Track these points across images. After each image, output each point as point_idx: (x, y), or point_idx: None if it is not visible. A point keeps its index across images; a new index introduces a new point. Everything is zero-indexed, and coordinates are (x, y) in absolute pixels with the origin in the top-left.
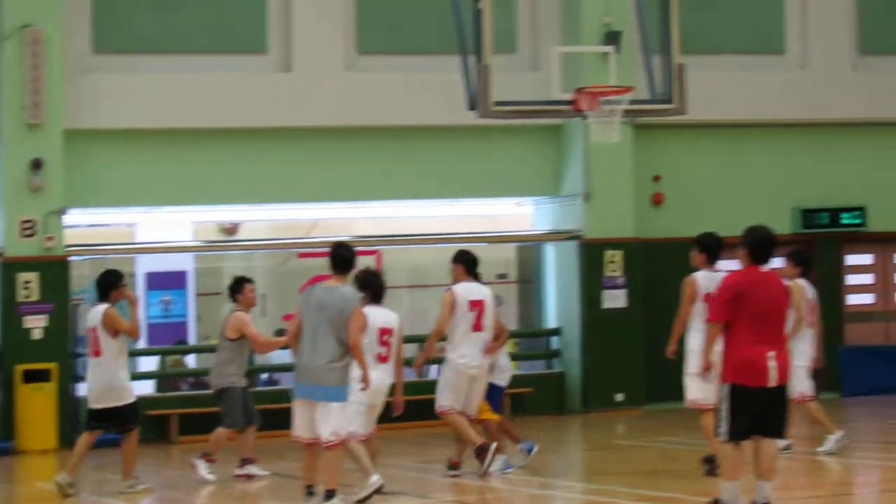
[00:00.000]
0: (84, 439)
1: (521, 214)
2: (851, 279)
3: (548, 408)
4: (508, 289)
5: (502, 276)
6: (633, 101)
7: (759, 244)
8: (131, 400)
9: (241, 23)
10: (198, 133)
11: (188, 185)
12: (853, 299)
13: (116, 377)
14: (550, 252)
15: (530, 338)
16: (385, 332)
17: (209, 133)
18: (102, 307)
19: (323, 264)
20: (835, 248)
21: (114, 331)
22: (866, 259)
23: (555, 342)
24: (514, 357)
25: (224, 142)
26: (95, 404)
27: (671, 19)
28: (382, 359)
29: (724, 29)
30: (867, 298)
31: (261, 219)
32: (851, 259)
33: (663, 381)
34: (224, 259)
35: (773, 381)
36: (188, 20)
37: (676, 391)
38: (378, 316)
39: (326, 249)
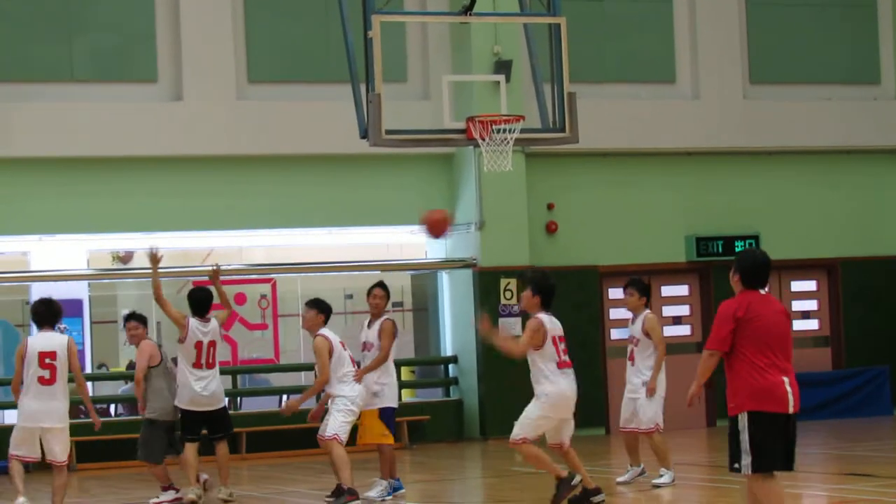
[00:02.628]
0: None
1: (415, 243)
2: None
3: (446, 435)
4: (404, 317)
5: (397, 304)
6: (525, 130)
7: (751, 268)
8: None
9: (132, 52)
10: (91, 162)
11: (82, 213)
12: None
13: None
14: (445, 280)
15: (427, 365)
16: (561, 339)
17: (102, 162)
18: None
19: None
20: (729, 277)
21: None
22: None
23: (452, 370)
24: (411, 385)
25: (117, 170)
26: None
27: (562, 48)
28: (565, 364)
29: (616, 58)
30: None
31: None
32: None
33: None
34: (119, 287)
35: (792, 407)
36: (79, 49)
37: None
38: (552, 324)
39: (221, 278)
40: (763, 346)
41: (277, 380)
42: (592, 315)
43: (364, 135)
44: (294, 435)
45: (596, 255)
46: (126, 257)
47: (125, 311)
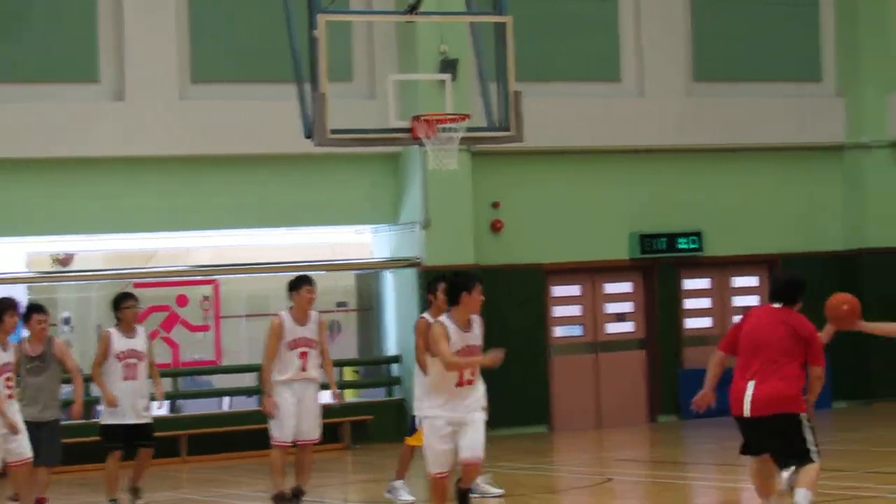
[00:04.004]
0: None
1: (359, 242)
2: (689, 303)
3: (389, 435)
4: (348, 317)
5: (342, 304)
6: (471, 129)
7: (773, 285)
8: None
9: (73, 51)
10: (31, 163)
11: (21, 215)
12: (690, 323)
13: None
14: (390, 280)
15: (370, 365)
16: None
17: (43, 163)
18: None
19: (161, 294)
20: (672, 273)
21: None
22: (703, 283)
23: (395, 369)
24: (355, 385)
25: (58, 172)
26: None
27: (507, 47)
28: None
29: (561, 57)
30: (705, 322)
31: (96, 249)
32: (689, 283)
33: (503, 407)
34: (59, 290)
35: (747, 411)
36: (19, 49)
37: (518, 416)
38: None
39: (162, 280)
40: (744, 354)
41: (220, 381)
42: (537, 313)
43: (309, 134)
44: (236, 437)
45: (541, 253)
46: (66, 260)
47: (65, 314)
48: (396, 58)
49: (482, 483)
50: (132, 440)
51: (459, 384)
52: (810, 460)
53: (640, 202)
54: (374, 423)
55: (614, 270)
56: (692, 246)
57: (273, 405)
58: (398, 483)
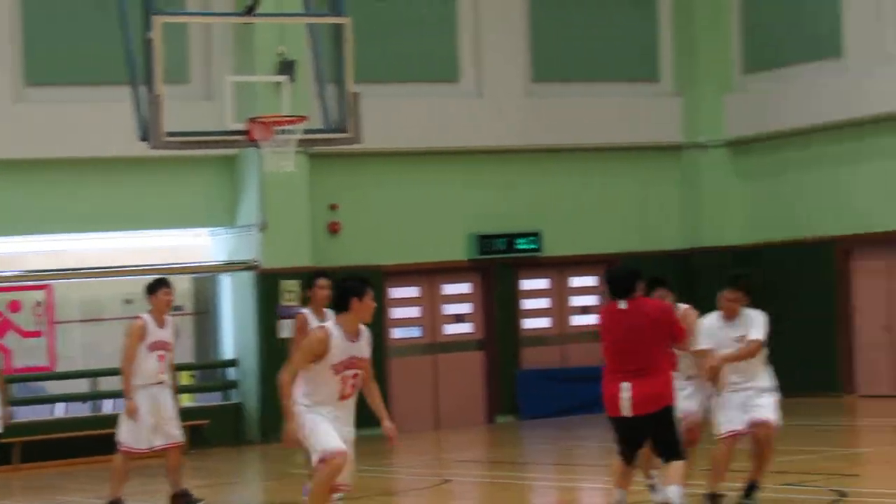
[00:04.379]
0: None
1: (196, 245)
2: (527, 304)
3: (226, 439)
4: (184, 320)
5: (178, 307)
6: (308, 131)
7: (609, 281)
8: None
9: None
10: None
11: None
12: (529, 323)
13: None
14: (227, 283)
15: (207, 369)
16: None
17: None
18: None
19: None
20: (511, 274)
21: None
22: (542, 283)
23: (232, 373)
24: (191, 389)
25: None
26: None
27: (345, 48)
28: None
29: (399, 58)
30: (543, 322)
31: None
32: (527, 284)
33: None
34: None
35: (626, 411)
36: None
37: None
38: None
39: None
40: (610, 354)
41: (54, 388)
42: (375, 314)
43: (144, 137)
44: (71, 443)
45: (379, 254)
46: None
47: None
48: (233, 59)
49: None
50: None
51: (342, 398)
52: (679, 456)
53: (479, 203)
54: (209, 427)
55: (453, 271)
56: (531, 246)
57: (135, 408)
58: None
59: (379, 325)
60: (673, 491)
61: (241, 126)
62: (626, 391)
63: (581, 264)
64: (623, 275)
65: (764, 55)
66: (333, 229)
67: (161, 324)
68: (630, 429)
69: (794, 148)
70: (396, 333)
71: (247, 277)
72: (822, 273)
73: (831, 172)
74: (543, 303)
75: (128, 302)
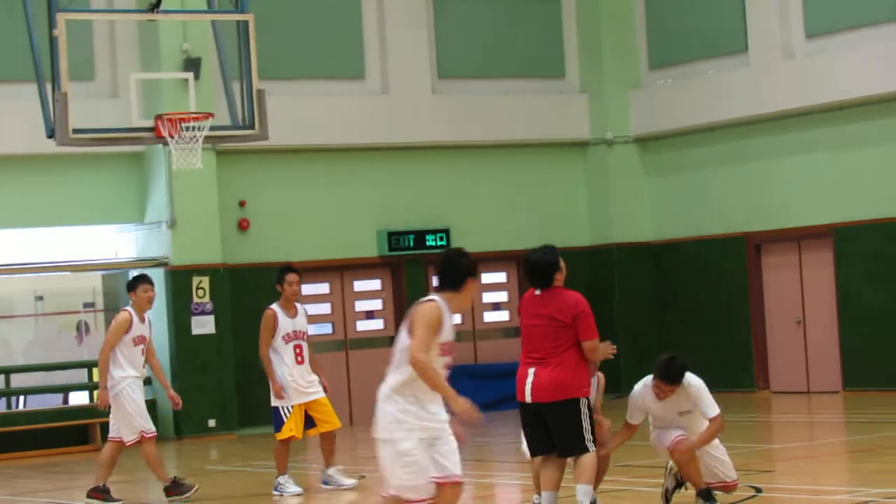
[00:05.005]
0: None
1: (106, 242)
2: None
3: None
4: (96, 317)
5: (89, 304)
6: (215, 128)
7: (527, 268)
8: None
9: None
10: None
11: None
12: None
13: None
14: None
15: None
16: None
17: None
18: None
19: None
20: (421, 270)
21: None
22: None
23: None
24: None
25: None
26: None
27: (250, 45)
28: None
29: (305, 55)
30: (455, 318)
31: None
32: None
33: (254, 406)
34: None
35: (528, 397)
36: None
37: (268, 417)
38: None
39: None
40: (524, 341)
41: None
42: None
43: (51, 134)
44: None
45: (289, 251)
46: None
47: None
48: (139, 56)
49: (335, 474)
50: None
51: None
52: (586, 450)
53: (388, 200)
54: None
55: (363, 268)
56: (440, 243)
57: (107, 400)
58: (283, 478)
59: None
60: (580, 490)
61: (147, 123)
62: (530, 377)
63: (491, 261)
64: (541, 264)
65: (669, 52)
66: (243, 226)
67: (142, 319)
68: (531, 415)
69: (701, 144)
70: (310, 330)
71: (157, 274)
72: (733, 269)
73: (739, 168)
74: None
75: (39, 298)
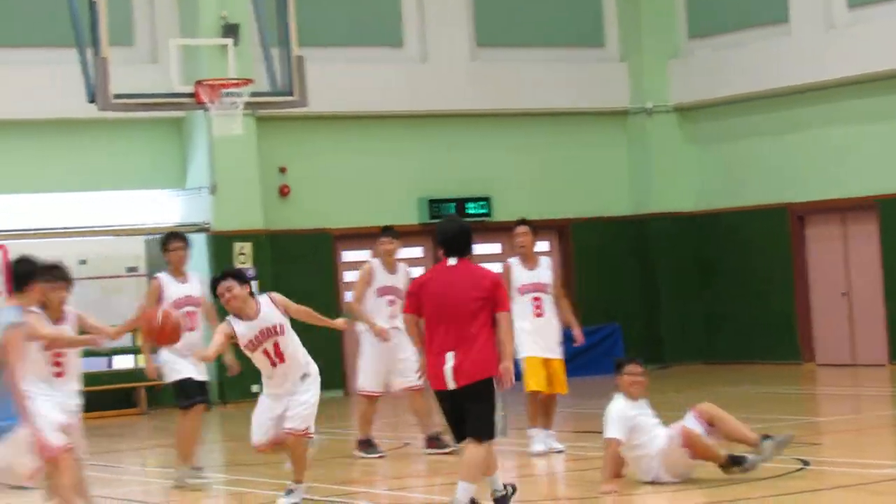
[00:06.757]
0: None
1: (149, 207)
2: None
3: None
4: (139, 282)
5: (132, 269)
6: (255, 94)
7: (443, 237)
8: None
9: None
10: None
11: None
12: None
13: None
14: None
15: None
16: None
17: None
18: None
19: None
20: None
21: None
22: (494, 248)
23: None
24: (138, 351)
25: None
26: None
27: (289, 12)
28: None
29: (343, 22)
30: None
31: None
32: (478, 248)
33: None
34: None
35: (450, 383)
36: None
37: None
38: None
39: None
40: (433, 321)
41: None
42: (326, 278)
43: (92, 99)
44: None
45: (329, 218)
46: None
47: None
48: (178, 22)
49: (547, 438)
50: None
51: None
52: (488, 437)
53: (428, 167)
54: (167, 388)
55: (404, 236)
56: (481, 211)
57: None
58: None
59: (331, 287)
60: (459, 488)
61: (187, 89)
62: (450, 360)
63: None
64: (465, 229)
65: (709, 21)
66: (283, 192)
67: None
68: (451, 402)
69: (742, 114)
70: (349, 297)
71: (198, 240)
72: (776, 240)
73: (781, 139)
74: (495, 268)
75: (82, 263)
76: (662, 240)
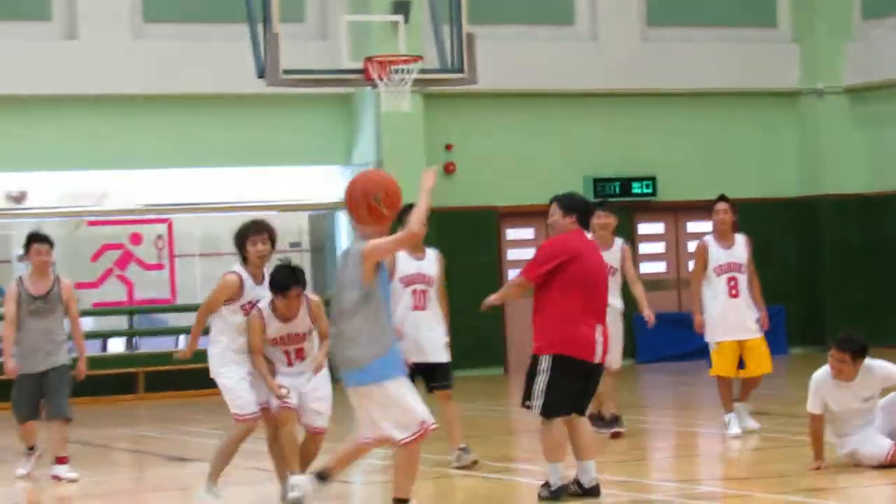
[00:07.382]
0: None
1: (313, 183)
2: (643, 248)
3: None
4: (301, 257)
5: (295, 244)
6: (424, 71)
7: (586, 210)
8: None
9: None
10: None
11: None
12: (645, 267)
13: None
14: (342, 220)
15: (326, 306)
16: None
17: None
18: None
19: (115, 232)
20: (627, 217)
21: None
22: (658, 228)
23: None
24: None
25: (11, 109)
26: None
27: None
28: None
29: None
30: (659, 266)
31: (50, 186)
32: (643, 228)
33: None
34: (13, 227)
35: (598, 357)
36: None
37: (475, 359)
38: None
39: (116, 218)
40: (579, 291)
41: (174, 320)
42: (491, 256)
43: (261, 74)
44: (190, 375)
45: (494, 196)
46: (20, 196)
47: (19, 251)
48: None
49: (744, 415)
50: None
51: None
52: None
53: (594, 146)
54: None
55: None
56: (646, 191)
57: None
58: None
59: (495, 265)
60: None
61: (357, 65)
62: (600, 334)
63: (697, 209)
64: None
65: (883, 1)
66: (449, 170)
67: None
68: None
69: None
70: (513, 275)
71: None
72: None
73: None
74: (659, 247)
75: None
76: (830, 222)
